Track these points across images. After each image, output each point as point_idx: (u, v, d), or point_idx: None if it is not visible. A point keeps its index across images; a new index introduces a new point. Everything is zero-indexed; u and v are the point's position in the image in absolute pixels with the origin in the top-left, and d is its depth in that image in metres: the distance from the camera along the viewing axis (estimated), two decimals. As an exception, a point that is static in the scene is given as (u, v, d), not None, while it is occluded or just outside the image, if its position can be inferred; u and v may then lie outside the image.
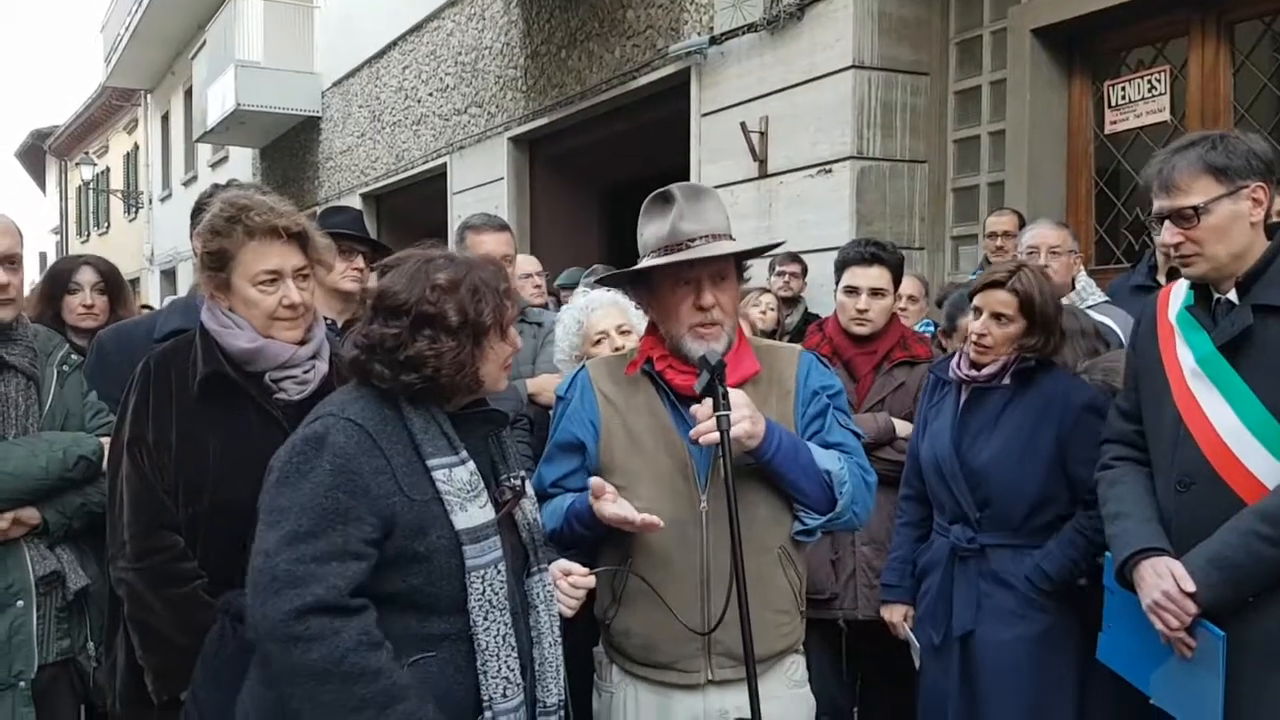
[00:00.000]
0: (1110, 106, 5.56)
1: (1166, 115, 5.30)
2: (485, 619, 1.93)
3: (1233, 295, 2.29)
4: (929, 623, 2.98)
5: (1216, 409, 2.27)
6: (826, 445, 2.34)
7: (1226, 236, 2.25)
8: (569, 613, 2.15)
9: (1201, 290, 2.37)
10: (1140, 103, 5.41)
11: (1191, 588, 2.22)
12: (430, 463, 1.94)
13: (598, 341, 3.08)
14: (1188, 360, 2.34)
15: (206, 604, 2.25)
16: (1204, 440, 2.28)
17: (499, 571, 1.95)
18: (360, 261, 3.42)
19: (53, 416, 2.76)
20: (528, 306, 4.00)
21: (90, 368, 3.06)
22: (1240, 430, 2.23)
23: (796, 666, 2.41)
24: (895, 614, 3.15)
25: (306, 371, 2.37)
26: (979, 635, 2.85)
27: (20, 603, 2.65)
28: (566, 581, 2.16)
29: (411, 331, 1.93)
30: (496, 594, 1.94)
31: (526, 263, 5.51)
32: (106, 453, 2.63)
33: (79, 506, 2.72)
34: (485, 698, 1.93)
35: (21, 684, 2.64)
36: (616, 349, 2.97)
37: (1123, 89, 5.50)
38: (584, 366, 2.51)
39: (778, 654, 2.33)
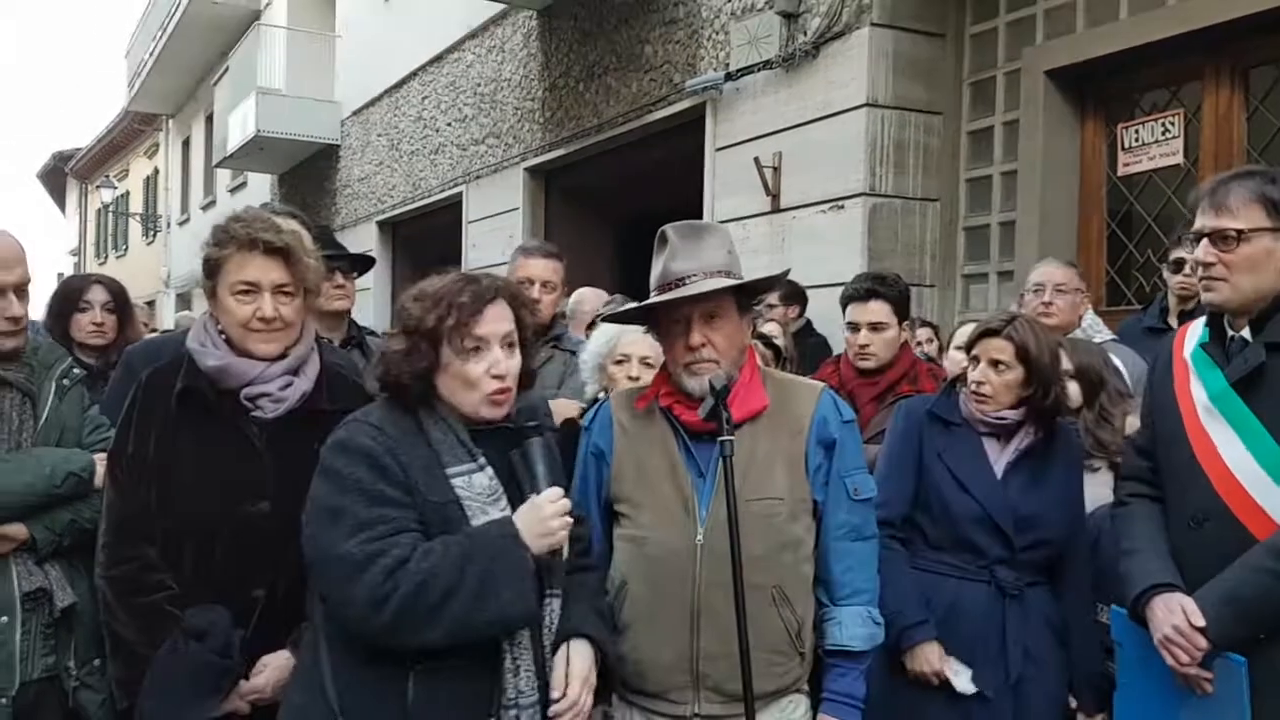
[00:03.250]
0: (1123, 149, 5.56)
1: (1180, 158, 5.29)
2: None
3: (1246, 333, 2.29)
4: (970, 673, 2.80)
5: (1229, 446, 2.27)
6: (831, 522, 2.37)
7: (1257, 270, 2.25)
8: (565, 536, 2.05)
9: (1216, 329, 2.37)
10: (1153, 145, 5.41)
11: (1201, 622, 2.21)
12: (449, 470, 2.03)
13: (619, 361, 3.09)
14: (1201, 397, 2.34)
15: (171, 616, 2.28)
16: (1216, 477, 2.28)
17: None
18: (339, 279, 3.41)
19: (48, 432, 2.76)
20: (565, 334, 4.02)
21: (116, 382, 3.07)
22: (1253, 467, 2.22)
23: (795, 706, 2.37)
24: (932, 653, 2.78)
25: (283, 389, 2.39)
26: (1029, 681, 2.80)
27: (4, 618, 2.63)
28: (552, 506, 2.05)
29: (395, 335, 2.11)
30: None
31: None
32: (102, 468, 2.65)
33: (69, 523, 2.71)
34: (511, 694, 1.99)
35: (3, 700, 2.62)
36: (631, 377, 2.99)
37: (1136, 131, 5.50)
38: (608, 398, 2.57)
39: (771, 694, 2.30)
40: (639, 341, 3.10)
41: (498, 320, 2.08)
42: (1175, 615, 2.25)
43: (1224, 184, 2.31)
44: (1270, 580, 2.17)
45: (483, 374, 2.06)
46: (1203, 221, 2.32)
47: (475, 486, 2.01)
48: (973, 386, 2.89)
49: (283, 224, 2.42)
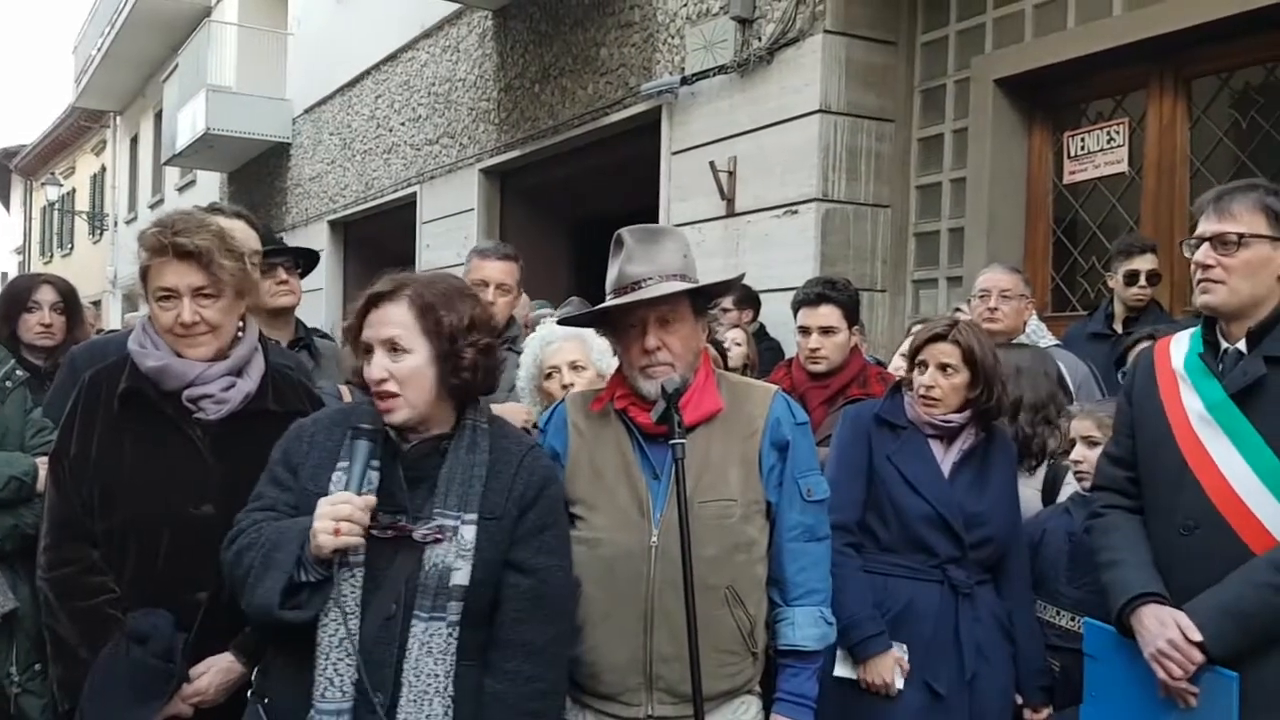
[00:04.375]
0: (1069, 157, 5.66)
1: (1124, 167, 5.40)
2: (325, 616, 1.97)
3: (1242, 345, 2.34)
4: (927, 672, 2.82)
5: (1225, 455, 2.30)
6: (785, 523, 2.38)
7: (1254, 276, 2.31)
8: (329, 540, 1.93)
9: (1209, 340, 2.41)
10: (1099, 154, 5.51)
11: (1198, 637, 2.22)
12: (340, 464, 2.06)
13: (549, 375, 3.09)
14: (1195, 406, 2.37)
15: (112, 619, 2.28)
16: (1210, 485, 2.31)
17: (353, 576, 1.99)
18: (282, 274, 3.37)
19: (-11, 435, 2.72)
20: (520, 336, 4.00)
21: (60, 383, 3.04)
22: (1250, 477, 2.26)
23: (746, 707, 2.38)
24: (887, 667, 2.79)
25: (225, 390, 2.39)
26: (982, 678, 2.85)
27: None
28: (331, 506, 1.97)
29: None
30: (344, 598, 1.98)
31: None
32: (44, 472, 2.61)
33: (11, 528, 2.67)
34: (315, 697, 1.97)
35: None
36: (565, 385, 2.98)
37: (1082, 140, 5.60)
38: (563, 400, 2.56)
39: (724, 694, 2.31)
40: (562, 349, 3.10)
41: (380, 324, 2.07)
42: (1169, 629, 2.26)
43: (1229, 192, 2.38)
44: (1273, 595, 2.19)
45: (370, 377, 2.07)
46: (1205, 226, 2.38)
47: (342, 483, 2.02)
48: (921, 390, 2.93)
49: (208, 223, 2.41)
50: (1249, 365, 2.30)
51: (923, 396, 2.93)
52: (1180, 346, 2.49)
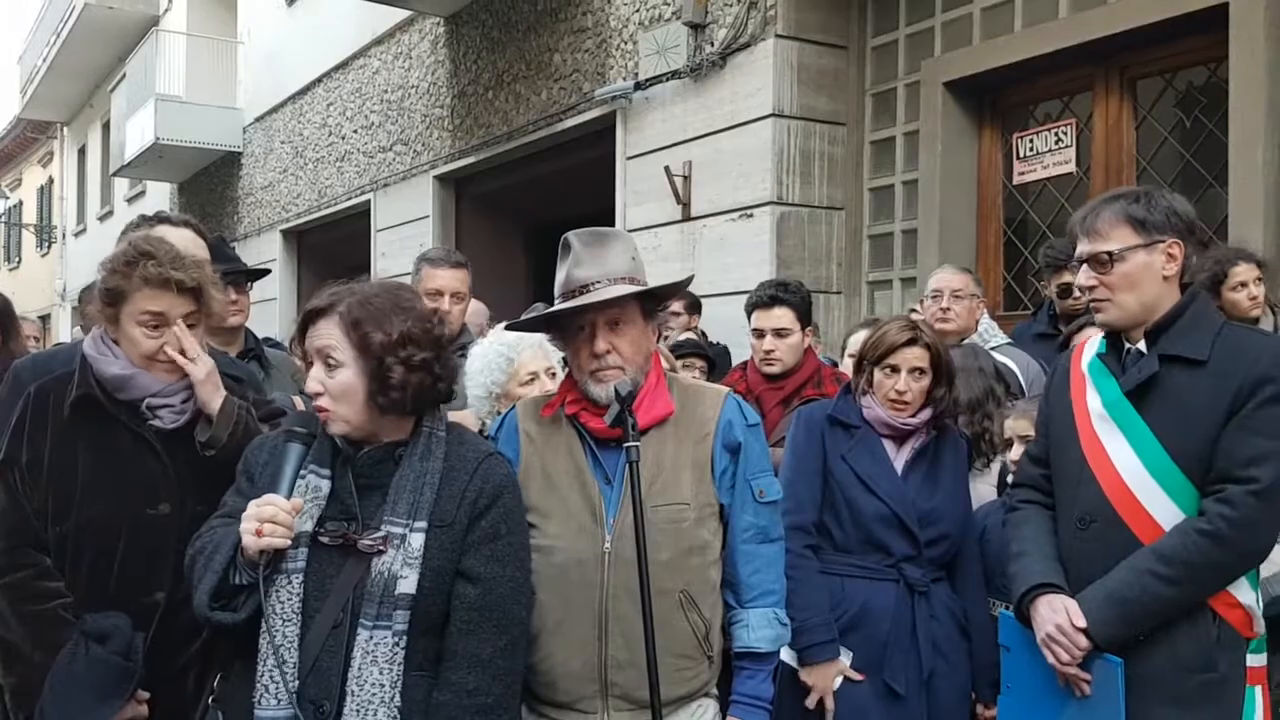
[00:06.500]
0: (1018, 158, 5.74)
1: (1072, 167, 5.48)
2: (267, 623, 1.96)
3: (1142, 345, 2.38)
4: (885, 671, 2.83)
5: (1119, 451, 2.35)
6: (738, 525, 2.36)
7: (1137, 286, 2.34)
8: (251, 541, 1.94)
9: (1113, 340, 2.46)
10: (1047, 154, 5.59)
11: (1083, 623, 2.29)
12: (303, 470, 2.06)
13: (528, 381, 3.04)
14: (1095, 405, 2.42)
15: (66, 623, 2.32)
16: (1105, 481, 2.36)
17: (290, 582, 1.98)
18: (233, 294, 3.35)
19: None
20: (472, 342, 3.97)
21: (4, 398, 2.99)
22: (1141, 473, 2.31)
23: (704, 710, 2.36)
24: (829, 676, 2.81)
25: (184, 401, 2.46)
26: (940, 676, 2.86)
27: None
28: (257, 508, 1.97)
29: None
30: (282, 604, 1.97)
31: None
32: None
33: None
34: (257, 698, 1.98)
35: None
36: (546, 392, 2.95)
37: (1030, 141, 5.68)
38: (513, 407, 2.53)
39: (680, 698, 2.29)
40: (537, 355, 3.06)
41: (315, 338, 2.07)
42: (1059, 615, 2.33)
43: (1094, 210, 2.42)
44: (1154, 582, 2.25)
45: (307, 389, 2.10)
46: (1081, 248, 2.43)
47: (303, 488, 2.03)
48: (893, 395, 2.93)
49: (186, 256, 2.45)
50: (1144, 364, 2.35)
51: (894, 400, 2.94)
52: (1092, 347, 2.54)
